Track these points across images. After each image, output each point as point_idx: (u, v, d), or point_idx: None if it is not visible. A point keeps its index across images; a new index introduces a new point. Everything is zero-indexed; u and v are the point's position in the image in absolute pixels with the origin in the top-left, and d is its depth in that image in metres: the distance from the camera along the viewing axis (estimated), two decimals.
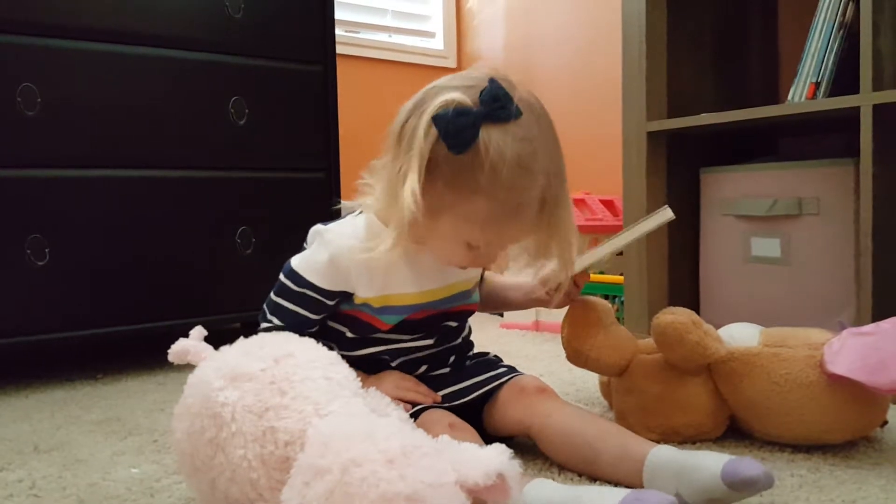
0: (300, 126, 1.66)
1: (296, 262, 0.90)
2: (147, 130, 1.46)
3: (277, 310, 0.91)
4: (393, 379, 0.92)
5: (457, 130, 0.76)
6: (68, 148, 1.38)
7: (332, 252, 0.87)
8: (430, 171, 0.78)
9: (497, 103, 0.77)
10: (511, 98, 0.78)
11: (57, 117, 1.36)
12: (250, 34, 1.58)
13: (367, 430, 0.59)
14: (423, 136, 0.78)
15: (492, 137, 0.76)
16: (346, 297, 0.90)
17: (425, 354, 0.96)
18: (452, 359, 0.99)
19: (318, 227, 0.91)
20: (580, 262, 0.97)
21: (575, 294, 1.01)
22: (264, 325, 0.92)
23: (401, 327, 0.92)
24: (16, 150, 1.33)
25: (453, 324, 0.97)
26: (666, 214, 0.94)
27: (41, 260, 1.35)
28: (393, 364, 0.94)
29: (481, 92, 0.77)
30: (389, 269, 0.88)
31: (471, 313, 1.00)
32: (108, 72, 1.42)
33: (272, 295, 0.92)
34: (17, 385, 1.41)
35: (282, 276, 0.91)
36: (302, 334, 0.87)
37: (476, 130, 0.76)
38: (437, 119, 0.77)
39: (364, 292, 0.89)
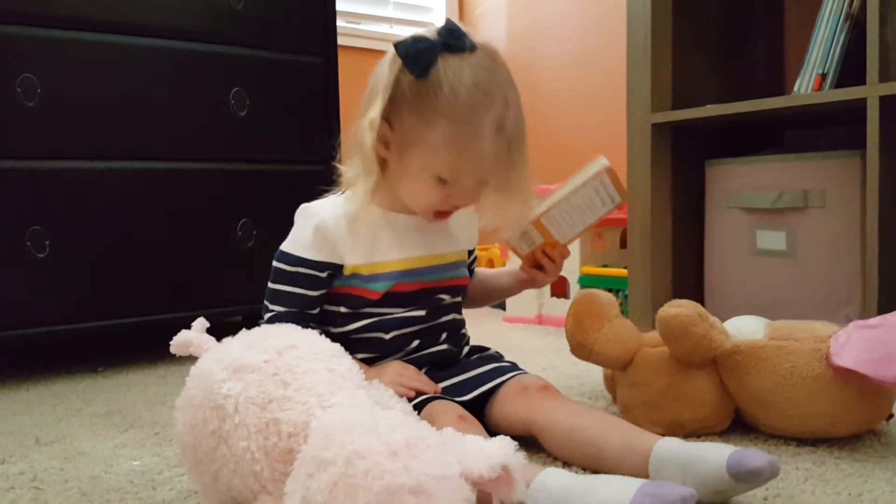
0: (301, 118, 1.65)
1: (285, 245, 0.95)
2: (147, 122, 1.45)
3: (276, 296, 0.94)
4: (395, 369, 0.93)
5: (416, 53, 0.85)
6: (68, 139, 1.37)
7: (316, 223, 0.92)
8: (395, 102, 0.86)
9: (453, 34, 0.86)
10: (465, 33, 0.86)
11: (57, 108, 1.35)
12: (251, 25, 1.57)
13: (370, 422, 0.58)
14: (387, 67, 0.87)
15: (450, 64, 0.85)
16: (337, 270, 0.93)
17: (417, 328, 0.97)
18: (445, 335, 1.00)
19: (303, 205, 0.96)
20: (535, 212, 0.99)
21: (552, 269, 1.03)
22: (267, 315, 0.94)
23: (392, 299, 0.94)
24: (16, 141, 1.32)
25: (445, 297, 0.99)
26: (601, 162, 1.00)
27: (41, 252, 1.34)
28: (386, 337, 0.96)
29: (438, 28, 0.87)
30: (374, 234, 0.93)
31: (462, 289, 1.03)
32: (109, 63, 1.41)
33: (269, 284, 0.95)
34: (18, 378, 1.41)
35: (274, 263, 0.95)
36: (305, 316, 0.93)
37: (434, 55, 0.85)
38: (397, 46, 0.86)
39: (352, 259, 0.93)
